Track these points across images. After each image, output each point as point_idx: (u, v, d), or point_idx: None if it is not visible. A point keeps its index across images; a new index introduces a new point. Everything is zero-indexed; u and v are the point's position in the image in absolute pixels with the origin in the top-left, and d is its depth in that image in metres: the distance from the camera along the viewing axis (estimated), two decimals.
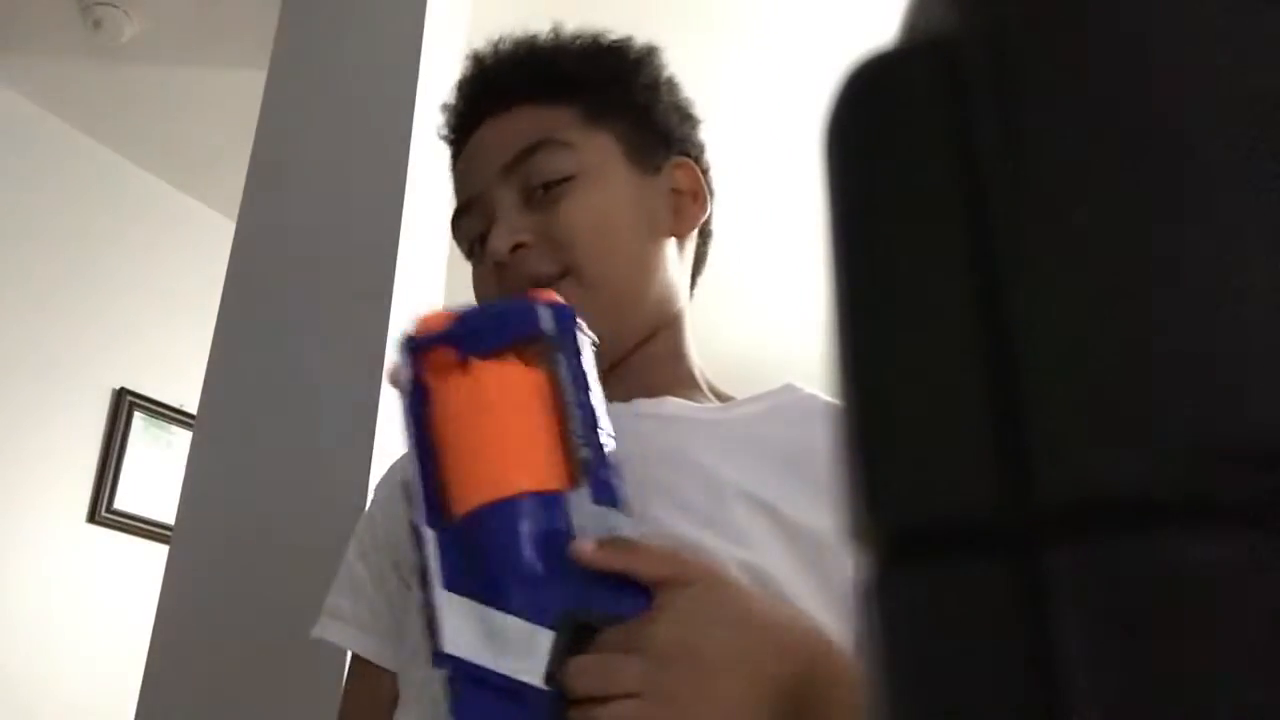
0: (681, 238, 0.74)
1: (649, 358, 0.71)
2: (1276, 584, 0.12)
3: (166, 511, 2.55)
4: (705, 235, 0.78)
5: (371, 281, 1.51)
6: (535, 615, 0.50)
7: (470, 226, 0.72)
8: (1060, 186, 0.13)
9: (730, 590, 0.50)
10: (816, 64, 2.26)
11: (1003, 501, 0.13)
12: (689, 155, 0.75)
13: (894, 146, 0.15)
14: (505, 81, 0.73)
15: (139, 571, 2.50)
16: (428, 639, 0.51)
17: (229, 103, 2.43)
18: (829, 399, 0.71)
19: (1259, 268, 0.12)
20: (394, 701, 0.66)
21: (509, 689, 0.49)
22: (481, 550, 0.52)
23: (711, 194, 0.76)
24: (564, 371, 0.55)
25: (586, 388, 0.55)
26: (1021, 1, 0.14)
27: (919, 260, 0.15)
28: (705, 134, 0.78)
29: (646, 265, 0.71)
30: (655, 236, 0.72)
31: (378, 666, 0.69)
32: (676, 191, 0.74)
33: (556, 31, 0.75)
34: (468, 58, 0.77)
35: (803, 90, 2.25)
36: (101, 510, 2.56)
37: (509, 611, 0.50)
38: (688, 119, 0.77)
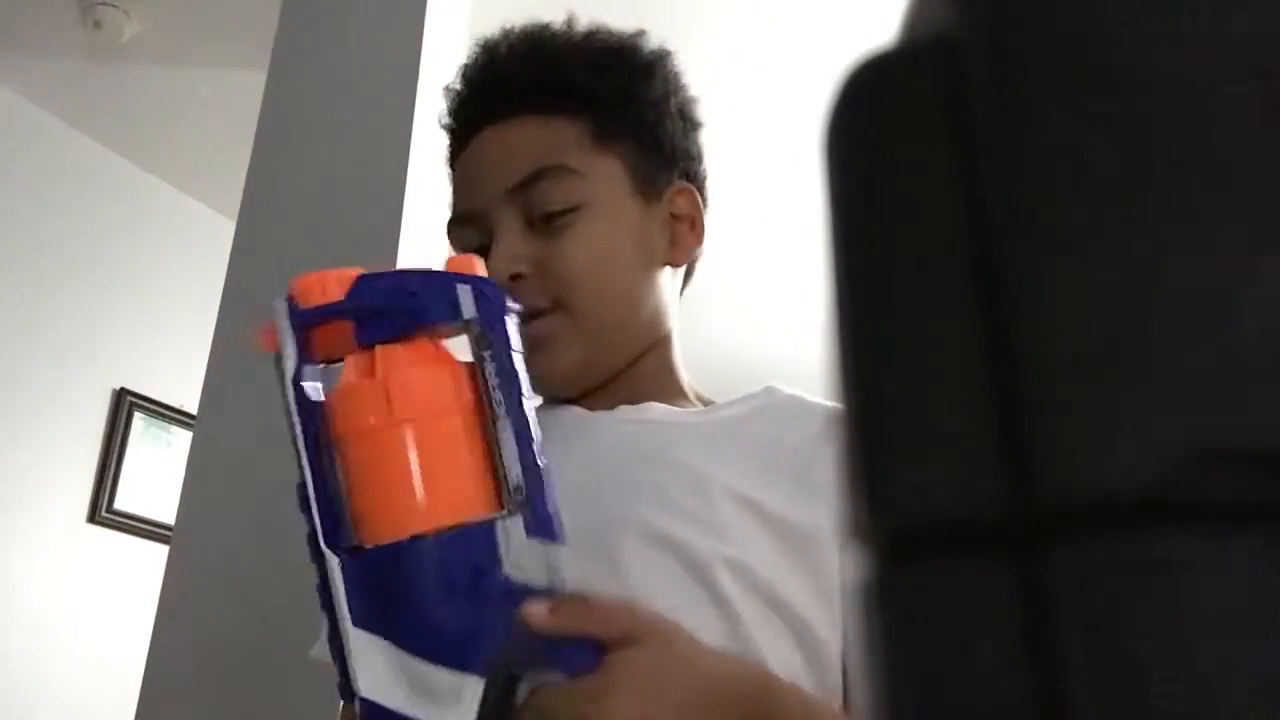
0: (676, 266, 0.74)
1: (635, 375, 0.71)
2: (1276, 584, 0.12)
3: (166, 511, 2.55)
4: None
5: None
6: (462, 664, 0.45)
7: (467, 237, 0.71)
8: (1060, 186, 0.13)
9: (679, 648, 0.48)
10: (816, 64, 2.26)
11: (1003, 501, 0.13)
12: (689, 176, 0.75)
13: (894, 147, 0.15)
14: (513, 86, 0.71)
15: (139, 571, 2.50)
16: (339, 673, 0.47)
17: (229, 103, 2.43)
18: (810, 399, 0.71)
19: (1259, 268, 0.12)
20: None
21: None
22: (397, 591, 0.45)
23: (706, 205, 0.75)
24: (492, 373, 0.46)
25: (518, 390, 0.47)
26: (1021, 1, 0.14)
27: (919, 260, 0.15)
28: (704, 135, 0.78)
29: (638, 297, 0.70)
30: (650, 267, 0.71)
31: None
32: (675, 217, 0.73)
33: (569, 25, 0.74)
34: (477, 44, 0.76)
35: (802, 89, 2.25)
36: (101, 510, 2.56)
37: (431, 661, 0.45)
38: (691, 129, 0.76)
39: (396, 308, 0.47)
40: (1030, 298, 0.13)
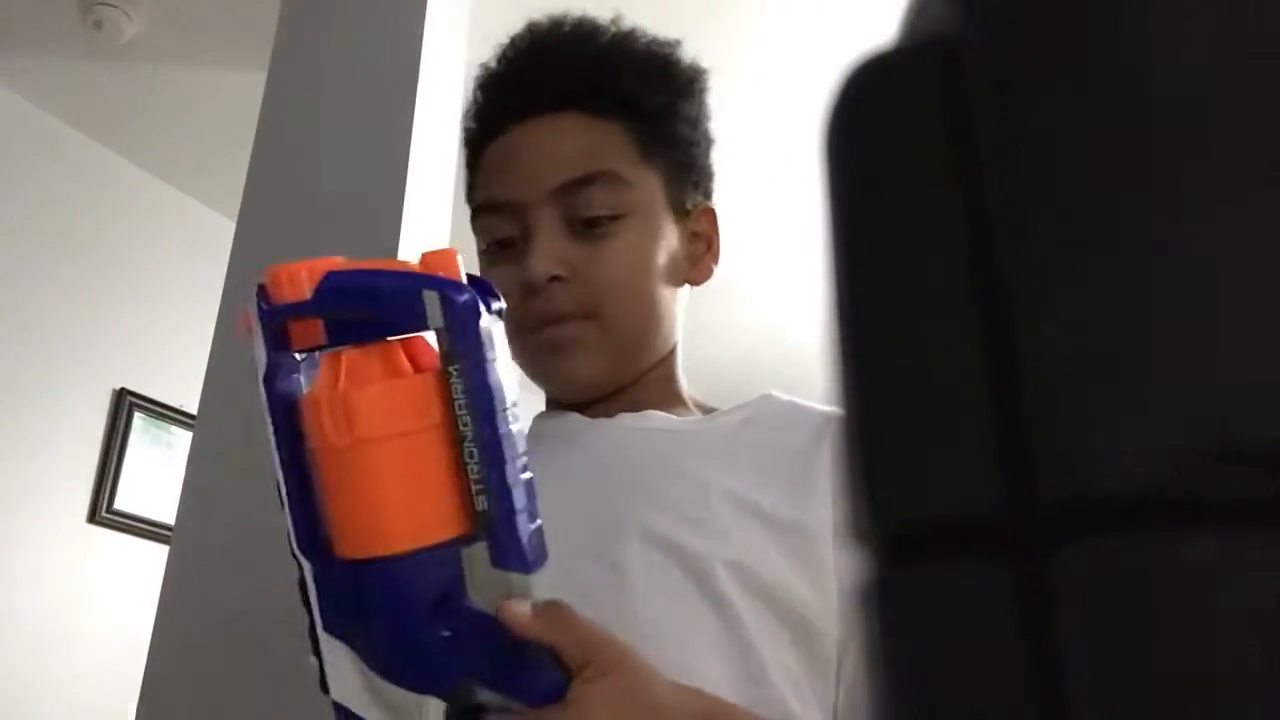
0: (695, 284, 0.74)
1: (640, 385, 0.71)
2: (1276, 584, 0.12)
3: (166, 511, 2.54)
4: None
5: None
6: (423, 687, 0.44)
7: (498, 227, 0.69)
8: (1060, 186, 0.13)
9: (640, 679, 0.48)
10: (816, 64, 2.26)
11: (1003, 502, 0.13)
12: (708, 195, 0.75)
13: (894, 147, 0.15)
14: (565, 80, 0.70)
15: (139, 571, 2.50)
16: (318, 669, 0.47)
17: (229, 103, 2.43)
18: (807, 404, 0.71)
19: (1259, 268, 0.12)
20: None
21: None
22: (363, 610, 0.45)
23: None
24: (459, 391, 0.44)
25: (487, 407, 0.44)
26: (1021, 1, 0.14)
27: (919, 261, 0.15)
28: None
29: (662, 312, 0.70)
30: (673, 284, 0.71)
31: None
32: (695, 236, 0.73)
33: (617, 25, 0.73)
34: (525, 30, 0.74)
35: (803, 88, 2.25)
36: (101, 510, 2.56)
37: (391, 682, 0.44)
38: (710, 148, 0.76)
39: (362, 312, 0.45)
40: (1030, 298, 0.13)
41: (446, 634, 0.44)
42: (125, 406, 2.65)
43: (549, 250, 0.66)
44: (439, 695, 0.44)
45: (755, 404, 0.70)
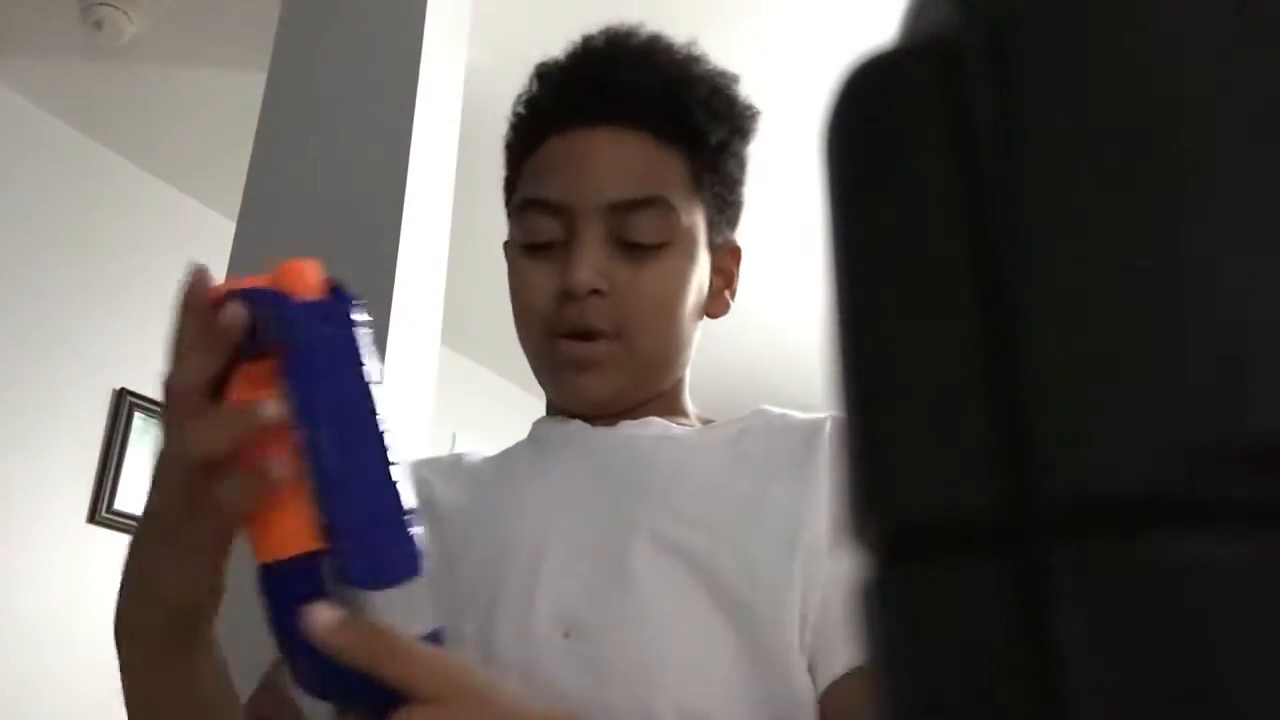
0: (713, 318, 0.75)
1: (647, 405, 0.72)
2: (1276, 584, 0.12)
3: None
4: None
5: (372, 281, 1.51)
6: (307, 688, 0.46)
7: (544, 226, 0.69)
8: (1060, 186, 0.13)
9: (494, 710, 0.45)
10: (816, 63, 2.26)
11: (1003, 501, 0.13)
12: (735, 232, 0.76)
13: (894, 147, 0.15)
14: (640, 99, 0.70)
15: None
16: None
17: (229, 103, 2.43)
18: (800, 415, 0.72)
19: (1259, 267, 0.12)
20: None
21: None
22: (267, 611, 0.46)
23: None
24: (291, 405, 0.43)
25: (316, 419, 0.43)
26: (1021, 1, 0.14)
27: (919, 261, 0.15)
28: None
29: (684, 342, 0.71)
30: (696, 316, 0.72)
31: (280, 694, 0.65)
32: (719, 271, 0.74)
33: (687, 50, 0.73)
34: (604, 32, 0.73)
35: (803, 88, 2.25)
36: (101, 510, 2.56)
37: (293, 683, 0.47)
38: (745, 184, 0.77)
39: (254, 324, 0.45)
40: (1030, 298, 0.13)
41: (296, 646, 0.44)
42: (125, 406, 2.65)
43: (594, 263, 0.66)
44: (320, 696, 0.46)
45: (750, 417, 0.71)
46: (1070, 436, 0.13)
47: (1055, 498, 0.13)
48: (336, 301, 0.46)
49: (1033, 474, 0.13)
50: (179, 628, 0.53)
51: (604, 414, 0.70)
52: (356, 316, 0.46)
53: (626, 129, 0.69)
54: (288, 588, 0.45)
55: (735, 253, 0.76)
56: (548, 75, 0.74)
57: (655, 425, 0.70)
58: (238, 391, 0.46)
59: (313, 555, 0.44)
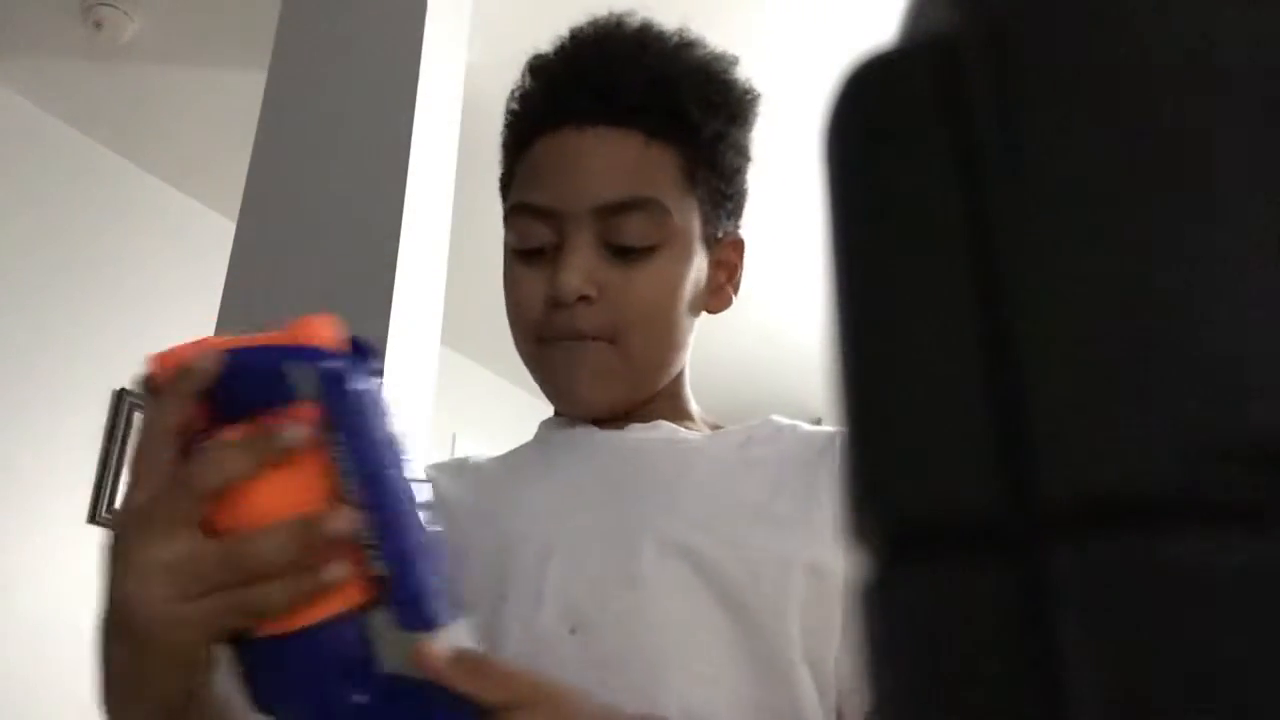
0: (712, 313, 0.74)
1: (651, 404, 0.71)
2: (1276, 584, 0.12)
3: None
4: None
5: (372, 281, 1.51)
6: None
7: (533, 231, 0.68)
8: (1060, 186, 0.13)
9: (565, 712, 0.47)
10: (816, 62, 2.26)
11: (1003, 502, 0.13)
12: (739, 221, 0.75)
13: (894, 147, 0.15)
14: (629, 97, 0.68)
15: None
16: None
17: (229, 103, 2.43)
18: (809, 426, 0.71)
19: (1259, 268, 0.12)
20: None
21: None
22: (282, 685, 0.45)
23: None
24: (341, 458, 0.43)
25: (374, 472, 0.43)
26: (1021, 2, 0.14)
27: (919, 261, 0.15)
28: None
29: (681, 340, 0.70)
30: (693, 314, 0.71)
31: None
32: (719, 264, 0.73)
33: (680, 35, 0.72)
34: (592, 25, 0.72)
35: (803, 87, 2.25)
36: (102, 510, 2.56)
37: None
38: (747, 171, 0.75)
39: (235, 390, 0.44)
40: (1030, 298, 0.13)
41: (362, 700, 0.44)
42: (125, 406, 2.65)
43: (582, 269, 0.65)
44: None
45: (759, 425, 0.71)
46: (1070, 437, 0.13)
47: (1055, 498, 0.13)
48: (365, 354, 0.46)
49: (1033, 474, 0.13)
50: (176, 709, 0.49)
51: (606, 417, 0.70)
52: (378, 368, 0.46)
53: (615, 128, 0.68)
54: (327, 650, 0.44)
55: (737, 245, 0.74)
56: (539, 71, 0.73)
57: (663, 429, 0.69)
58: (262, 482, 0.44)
59: (348, 614, 0.44)
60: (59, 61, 2.41)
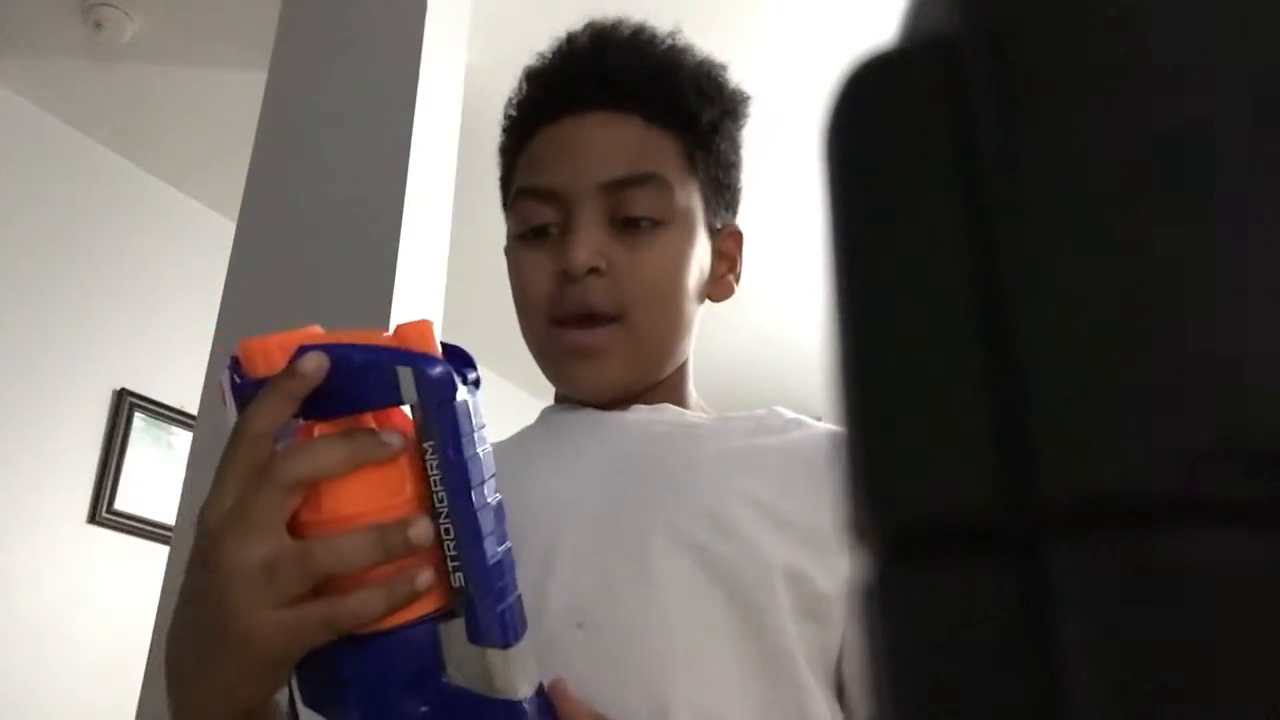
0: (715, 302, 0.75)
1: (655, 390, 0.72)
2: (1276, 584, 0.12)
3: (166, 512, 2.54)
4: None
5: (372, 281, 1.51)
6: None
7: (539, 213, 0.69)
8: (1060, 186, 0.13)
9: None
10: (816, 62, 2.26)
11: (1003, 501, 0.13)
12: (735, 217, 0.76)
13: (894, 148, 0.15)
14: (626, 83, 0.70)
15: (139, 571, 2.50)
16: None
17: (229, 103, 2.43)
18: (814, 422, 0.72)
19: (1260, 268, 0.12)
20: None
21: None
22: (340, 686, 0.44)
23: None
24: (434, 466, 0.43)
25: (463, 483, 0.43)
26: (1021, 2, 0.14)
27: (919, 262, 0.15)
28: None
29: (686, 325, 0.71)
30: (697, 299, 0.72)
31: None
32: (720, 255, 0.74)
33: (674, 38, 0.74)
34: (588, 26, 0.74)
35: (803, 87, 2.25)
36: (102, 511, 2.56)
37: None
38: (741, 171, 0.77)
39: (336, 387, 0.44)
40: (1030, 298, 0.13)
41: (423, 710, 0.44)
42: (125, 407, 2.65)
43: (591, 242, 0.66)
44: None
45: (766, 415, 0.71)
46: (1070, 436, 0.13)
47: (1055, 498, 0.13)
48: (465, 364, 0.46)
49: (1032, 474, 0.13)
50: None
51: (611, 402, 0.70)
52: (477, 378, 0.47)
53: (616, 112, 0.69)
54: (397, 656, 0.43)
55: (736, 236, 0.76)
56: (535, 74, 0.75)
57: (669, 411, 0.70)
58: (349, 482, 0.44)
59: (421, 621, 0.44)
60: (59, 61, 2.40)
